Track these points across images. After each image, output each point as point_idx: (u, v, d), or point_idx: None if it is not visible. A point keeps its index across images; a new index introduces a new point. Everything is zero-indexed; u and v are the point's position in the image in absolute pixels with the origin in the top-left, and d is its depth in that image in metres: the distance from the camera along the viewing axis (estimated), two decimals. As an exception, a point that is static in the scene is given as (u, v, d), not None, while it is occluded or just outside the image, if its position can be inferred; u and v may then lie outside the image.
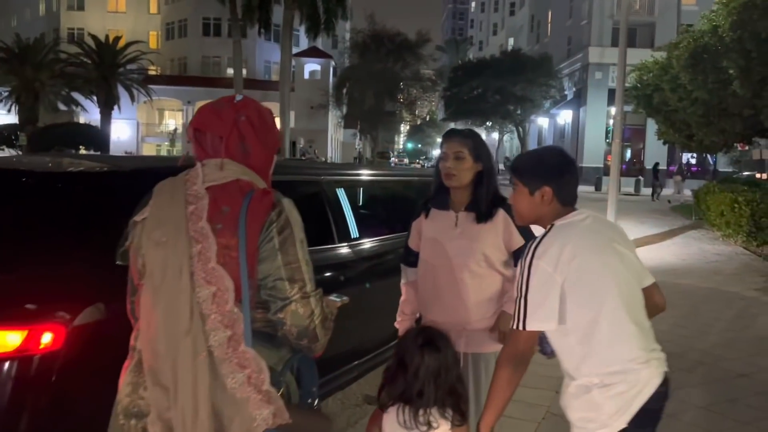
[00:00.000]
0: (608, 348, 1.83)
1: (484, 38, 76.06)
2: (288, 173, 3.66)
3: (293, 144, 34.14)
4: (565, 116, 37.15)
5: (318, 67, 45.54)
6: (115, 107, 36.52)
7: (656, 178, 26.46)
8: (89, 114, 38.42)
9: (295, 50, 39.86)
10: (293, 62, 36.12)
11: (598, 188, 26.77)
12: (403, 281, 2.91)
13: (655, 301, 2.05)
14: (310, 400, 1.71)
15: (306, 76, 45.10)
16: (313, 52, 44.72)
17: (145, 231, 1.57)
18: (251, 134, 1.65)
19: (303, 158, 32.62)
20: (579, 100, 35.49)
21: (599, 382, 1.82)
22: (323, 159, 39.81)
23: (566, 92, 37.55)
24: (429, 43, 39.36)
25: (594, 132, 33.30)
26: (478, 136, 2.71)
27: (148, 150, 45.46)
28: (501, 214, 2.64)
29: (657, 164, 27.53)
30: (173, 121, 48.36)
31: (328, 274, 3.51)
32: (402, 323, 2.87)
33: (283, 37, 29.25)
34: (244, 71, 39.68)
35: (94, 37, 36.98)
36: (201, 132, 1.66)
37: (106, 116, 36.13)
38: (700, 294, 8.06)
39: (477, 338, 2.62)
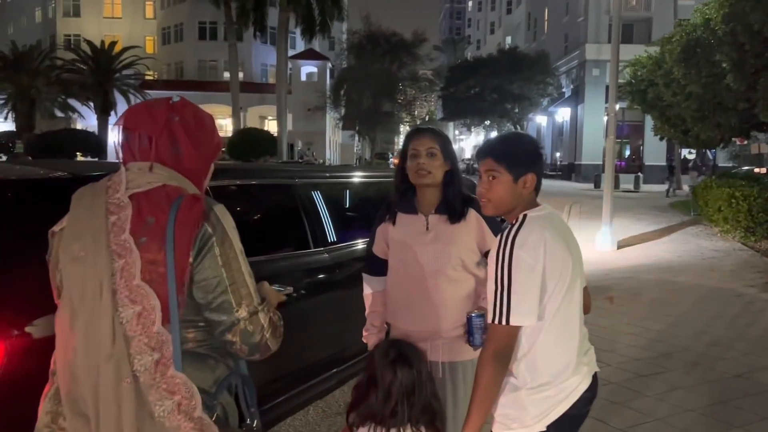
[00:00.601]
0: (552, 349, 1.83)
1: (482, 37, 76.09)
2: (261, 177, 3.58)
3: (291, 146, 34.08)
4: (563, 114, 37.09)
5: (315, 69, 45.46)
6: (112, 113, 36.43)
7: (671, 174, 26.49)
8: (86, 120, 38.38)
9: (291, 52, 39.83)
10: (290, 64, 36.03)
11: (597, 185, 26.59)
12: (366, 291, 2.75)
13: (585, 303, 2.04)
14: (249, 421, 1.61)
15: (303, 78, 45.04)
16: (309, 54, 44.68)
17: (62, 244, 1.45)
18: (184, 137, 1.54)
19: (301, 161, 32.54)
20: (577, 97, 35.42)
21: (530, 382, 1.82)
22: (321, 161, 39.73)
23: (564, 90, 37.52)
24: (425, 43, 39.26)
25: (592, 129, 33.20)
26: (445, 136, 2.59)
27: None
28: (473, 213, 2.52)
29: (672, 160, 27.54)
30: (171, 126, 48.23)
31: (308, 280, 3.41)
32: (370, 337, 2.71)
33: (278, 40, 29.20)
34: (241, 74, 39.72)
35: (89, 43, 36.92)
36: (130, 131, 1.53)
37: (103, 122, 36.02)
38: (697, 291, 7.92)
39: (454, 346, 2.49)
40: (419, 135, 2.54)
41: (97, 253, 1.40)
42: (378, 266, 2.68)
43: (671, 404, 4.21)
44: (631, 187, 26.69)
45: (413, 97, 42.49)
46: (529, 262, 1.74)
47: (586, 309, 2.05)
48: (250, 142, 27.46)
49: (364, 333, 2.74)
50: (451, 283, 2.49)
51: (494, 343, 1.78)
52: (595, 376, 1.95)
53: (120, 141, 1.54)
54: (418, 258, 2.52)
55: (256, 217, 3.68)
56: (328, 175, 4.23)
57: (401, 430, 1.87)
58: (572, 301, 1.85)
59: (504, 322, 1.75)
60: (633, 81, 19.33)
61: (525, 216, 1.83)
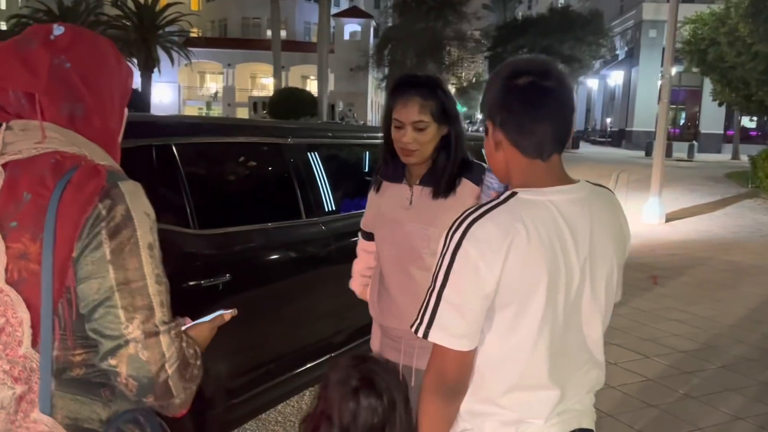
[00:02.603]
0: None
1: (534, -4, 73.44)
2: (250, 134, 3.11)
3: (332, 107, 33.54)
4: (615, 77, 35.75)
5: (358, 28, 44.50)
6: (156, 70, 36.52)
7: None
8: (131, 77, 38.65)
9: (335, 10, 39.04)
10: (333, 22, 35.34)
11: (648, 153, 25.35)
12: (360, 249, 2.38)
13: None
14: None
15: (346, 36, 44.16)
16: (353, 12, 43.84)
17: None
18: (81, 87, 1.12)
19: (342, 122, 32.08)
20: (631, 60, 34.00)
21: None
22: (362, 122, 39.15)
23: (617, 52, 36.10)
24: (473, 1, 37.88)
25: (646, 94, 31.79)
26: (443, 89, 2.00)
27: (190, 113, 45.58)
28: (467, 185, 1.99)
29: None
30: (214, 84, 48.37)
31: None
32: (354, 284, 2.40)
33: (321, -4, 28.45)
34: (284, 32, 39.21)
35: (133, -1, 36.89)
36: None
37: (146, 79, 36.17)
38: (753, 273, 7.21)
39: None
40: (404, 98, 1.95)
41: None
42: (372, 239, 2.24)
43: (719, 410, 3.64)
44: (684, 155, 25.40)
45: (459, 58, 41.38)
46: (477, 263, 1.18)
47: None
48: (291, 102, 27.14)
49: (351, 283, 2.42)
50: (429, 272, 1.96)
51: (434, 366, 1.25)
52: None
53: None
54: (394, 238, 2.05)
55: (234, 180, 3.22)
56: (331, 134, 3.72)
57: None
58: (553, 335, 1.24)
59: (421, 334, 1.23)
60: (692, 40, 17.99)
61: (513, 194, 1.25)
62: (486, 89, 1.30)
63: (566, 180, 1.29)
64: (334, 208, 3.31)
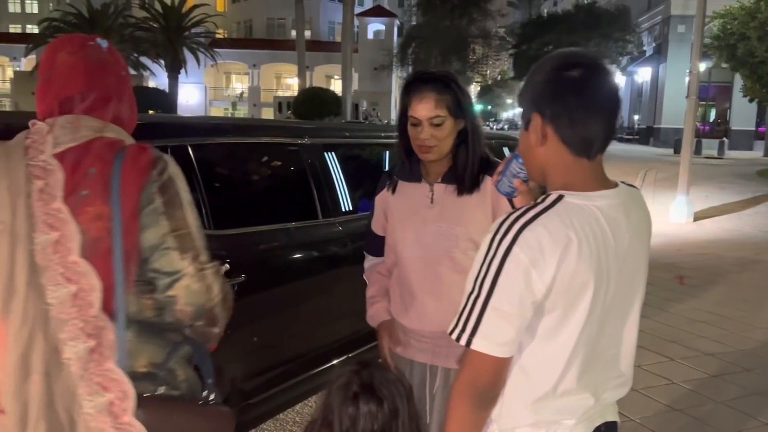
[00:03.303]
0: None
1: (559, -8, 72.64)
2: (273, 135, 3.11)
3: (356, 106, 33.57)
4: (643, 74, 35.17)
5: (382, 27, 44.54)
6: (183, 71, 36.93)
7: None
8: (158, 78, 39.05)
9: (359, 9, 39.06)
10: (356, 22, 35.35)
11: (676, 150, 24.86)
12: (368, 272, 2.25)
13: None
14: (206, 393, 1.42)
15: (370, 36, 44.22)
16: (377, 11, 43.85)
17: None
18: (114, 89, 1.41)
19: (365, 121, 32.10)
20: (659, 56, 33.44)
21: None
22: (386, 122, 39.15)
23: (645, 48, 35.52)
24: (497, -2, 37.67)
25: (674, 90, 31.20)
26: (458, 84, 1.97)
27: (216, 113, 46.04)
28: (489, 182, 1.95)
29: None
30: (240, 84, 48.78)
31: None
32: (376, 309, 2.19)
33: (345, -5, 28.50)
34: (309, 32, 39.32)
35: (160, 1, 37.34)
36: (85, 92, 1.35)
37: (173, 80, 36.58)
38: (784, 274, 7.02)
39: (461, 351, 1.96)
40: (419, 95, 1.92)
41: (16, 225, 1.22)
42: (381, 246, 2.19)
43: (748, 416, 3.54)
44: (714, 153, 24.90)
45: (484, 56, 41.13)
46: (528, 270, 1.15)
47: None
48: (315, 102, 27.24)
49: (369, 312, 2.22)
50: (459, 273, 1.92)
51: (469, 371, 1.22)
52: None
53: (48, 94, 1.37)
54: (419, 239, 2.00)
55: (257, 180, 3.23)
56: (348, 134, 3.71)
57: None
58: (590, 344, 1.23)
59: (463, 342, 1.19)
60: (721, 35, 17.61)
61: (559, 198, 1.21)
62: (531, 81, 1.26)
63: (606, 182, 1.26)
64: (351, 208, 3.29)
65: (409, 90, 1.96)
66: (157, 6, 37.51)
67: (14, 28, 56.97)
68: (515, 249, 1.15)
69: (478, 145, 1.99)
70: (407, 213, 2.04)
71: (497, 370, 1.21)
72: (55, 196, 1.25)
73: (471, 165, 1.97)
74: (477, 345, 1.18)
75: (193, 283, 1.30)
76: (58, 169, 1.27)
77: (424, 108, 1.91)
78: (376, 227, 2.19)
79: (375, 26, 44.62)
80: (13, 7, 62.63)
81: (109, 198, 1.25)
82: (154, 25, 36.59)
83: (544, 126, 1.22)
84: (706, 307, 5.63)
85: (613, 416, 1.35)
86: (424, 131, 1.91)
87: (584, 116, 1.19)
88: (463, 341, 1.19)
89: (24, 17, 59.31)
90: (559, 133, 1.21)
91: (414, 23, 41.10)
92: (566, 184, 1.22)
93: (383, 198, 2.15)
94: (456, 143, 1.97)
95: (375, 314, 2.18)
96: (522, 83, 1.35)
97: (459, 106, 1.94)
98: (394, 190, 2.10)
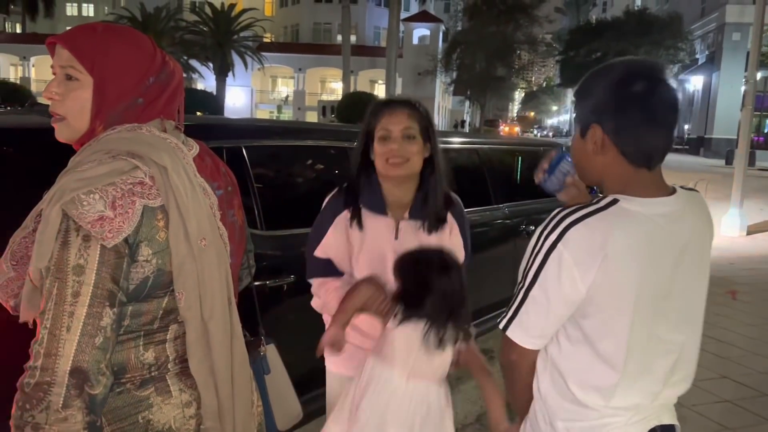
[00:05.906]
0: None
1: (609, -1, 71.45)
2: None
3: (399, 111, 33.66)
4: (695, 82, 34.29)
5: (427, 32, 44.48)
6: (230, 74, 37.65)
7: None
8: (206, 81, 39.88)
9: (404, 15, 39.12)
10: (402, 27, 35.44)
11: (728, 162, 24.18)
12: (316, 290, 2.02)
13: None
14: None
15: (415, 41, 44.22)
16: (422, 17, 43.80)
17: (172, 230, 1.15)
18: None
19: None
20: (712, 64, 32.45)
21: None
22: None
23: (697, 56, 34.55)
24: (545, 3, 37.20)
25: (728, 100, 30.32)
26: (427, 112, 1.95)
27: (261, 116, 46.77)
28: (449, 218, 1.98)
29: None
30: (285, 88, 49.41)
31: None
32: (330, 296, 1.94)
33: (391, 1, 28.62)
34: (354, 37, 39.61)
35: (210, 5, 38.17)
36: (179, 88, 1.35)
37: (221, 83, 37.35)
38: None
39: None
40: (391, 110, 1.89)
41: (215, 239, 1.25)
42: (328, 265, 1.99)
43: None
44: (769, 165, 24.08)
45: (529, 62, 40.70)
46: (570, 269, 1.15)
47: None
48: (359, 106, 27.40)
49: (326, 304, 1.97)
50: None
51: (505, 353, 1.34)
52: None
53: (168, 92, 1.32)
54: (379, 271, 1.83)
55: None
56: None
57: (441, 330, 1.67)
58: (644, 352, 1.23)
59: (501, 327, 1.28)
60: (780, 45, 17.06)
61: (614, 201, 1.19)
62: (590, 90, 1.26)
63: (665, 188, 1.25)
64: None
65: (379, 111, 1.92)
66: (208, 10, 38.36)
67: (71, 31, 58.84)
68: (560, 246, 1.17)
69: (444, 178, 1.97)
70: (375, 246, 1.92)
71: (525, 359, 1.30)
72: (215, 203, 1.29)
73: (439, 199, 1.95)
74: (511, 332, 1.26)
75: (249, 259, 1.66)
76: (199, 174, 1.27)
77: (397, 120, 1.88)
78: (326, 251, 1.97)
79: (420, 31, 44.61)
80: (70, 10, 65.00)
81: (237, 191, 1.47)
82: (204, 29, 37.43)
83: (604, 137, 1.22)
84: (759, 323, 5.44)
85: (670, 419, 1.34)
86: (395, 142, 1.86)
87: (646, 131, 1.19)
88: (501, 325, 1.27)
89: (80, 20, 61.34)
90: (619, 145, 1.21)
91: (459, 29, 40.94)
92: (622, 191, 1.22)
93: (342, 223, 1.95)
94: (423, 174, 1.94)
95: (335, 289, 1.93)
96: (572, 90, 1.37)
97: (428, 130, 1.93)
98: (360, 221, 1.94)
